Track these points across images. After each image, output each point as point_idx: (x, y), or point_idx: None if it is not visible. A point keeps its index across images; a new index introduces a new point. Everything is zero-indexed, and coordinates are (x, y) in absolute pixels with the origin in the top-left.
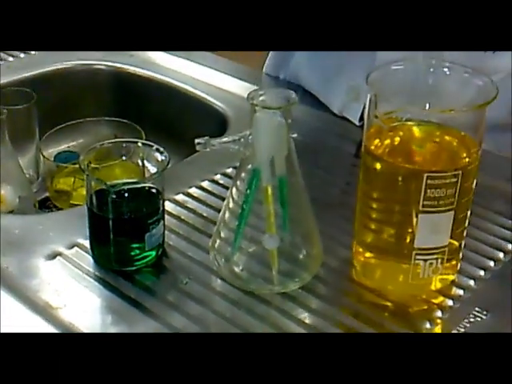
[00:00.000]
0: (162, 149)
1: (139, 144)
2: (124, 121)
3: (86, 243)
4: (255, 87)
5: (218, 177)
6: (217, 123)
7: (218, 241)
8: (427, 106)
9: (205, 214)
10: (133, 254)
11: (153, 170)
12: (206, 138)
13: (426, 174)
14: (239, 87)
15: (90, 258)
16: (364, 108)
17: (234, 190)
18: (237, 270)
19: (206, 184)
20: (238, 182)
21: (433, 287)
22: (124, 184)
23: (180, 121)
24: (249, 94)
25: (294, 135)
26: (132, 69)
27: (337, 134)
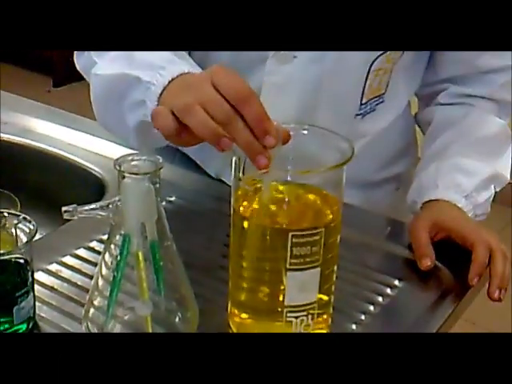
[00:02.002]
0: (29, 218)
1: (5, 214)
2: None
3: None
4: (133, 151)
5: (93, 244)
6: (95, 189)
7: (91, 310)
8: (289, 167)
9: (79, 283)
10: (1, 328)
11: (26, 239)
12: (74, 205)
13: (291, 233)
14: (117, 152)
15: None
16: None
17: (107, 256)
18: None
19: (81, 252)
20: (110, 248)
21: None
22: None
23: (57, 188)
24: (116, 160)
25: (172, 198)
26: (6, 136)
27: (214, 196)
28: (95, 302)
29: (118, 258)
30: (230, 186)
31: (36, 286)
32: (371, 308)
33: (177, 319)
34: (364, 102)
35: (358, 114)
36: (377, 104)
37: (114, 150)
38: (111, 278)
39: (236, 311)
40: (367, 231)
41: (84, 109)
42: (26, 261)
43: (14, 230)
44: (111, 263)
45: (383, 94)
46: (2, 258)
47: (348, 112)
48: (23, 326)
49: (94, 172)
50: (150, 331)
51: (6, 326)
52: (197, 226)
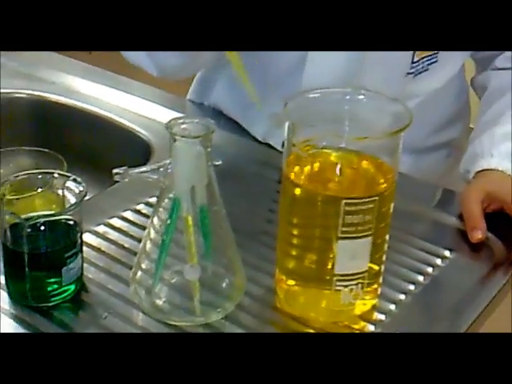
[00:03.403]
0: (79, 179)
1: (55, 175)
2: (45, 150)
3: (1, 279)
4: (179, 114)
5: (140, 206)
6: (141, 152)
7: (139, 272)
8: (344, 133)
9: (126, 245)
10: (50, 289)
11: (73, 200)
12: (124, 167)
13: (343, 201)
14: (163, 114)
15: (5, 295)
16: None
17: (156, 219)
18: (158, 302)
19: (128, 214)
20: (159, 212)
21: (354, 312)
22: (39, 217)
23: (104, 150)
24: (168, 123)
25: (219, 162)
26: (54, 97)
27: (260, 160)
28: (143, 265)
29: (167, 221)
30: (276, 150)
31: (83, 247)
32: (420, 278)
33: (224, 284)
34: (416, 60)
35: (409, 73)
36: (429, 63)
37: (162, 114)
38: (160, 242)
39: (283, 278)
40: (416, 200)
41: (126, 71)
42: (75, 222)
43: (61, 191)
44: (160, 226)
45: (437, 52)
46: (53, 218)
47: (398, 70)
48: (71, 287)
49: (140, 135)
50: (198, 295)
51: (55, 286)
52: (242, 191)
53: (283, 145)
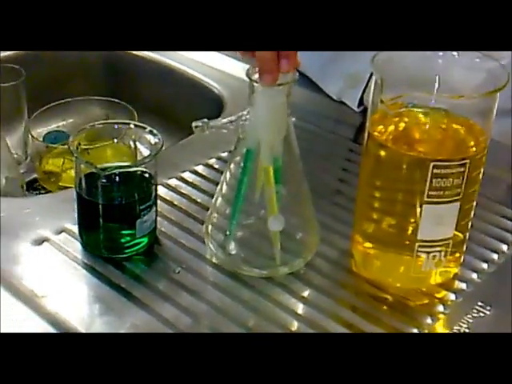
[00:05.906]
0: (155, 131)
1: (131, 126)
2: (116, 101)
3: (75, 228)
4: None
5: (212, 161)
6: (212, 104)
7: (211, 226)
8: (435, 91)
9: (198, 200)
10: (123, 240)
11: (145, 152)
12: (204, 120)
13: (431, 163)
14: (235, 67)
15: (78, 245)
16: (362, 94)
17: (228, 173)
18: (230, 254)
19: (200, 168)
20: (233, 165)
21: (434, 280)
22: (115, 168)
23: (174, 102)
24: (248, 70)
25: (293, 119)
26: None
27: (334, 118)
28: (216, 219)
29: (242, 173)
30: (351, 108)
31: None
32: (504, 248)
33: (297, 239)
34: None
35: None
36: None
37: (234, 67)
38: (232, 195)
39: (360, 240)
40: (503, 166)
41: None
42: (150, 174)
43: (132, 143)
44: (234, 179)
45: None
46: (128, 170)
47: None
48: (145, 240)
49: (211, 88)
50: (278, 247)
51: (128, 238)
52: (315, 149)
53: (359, 105)
